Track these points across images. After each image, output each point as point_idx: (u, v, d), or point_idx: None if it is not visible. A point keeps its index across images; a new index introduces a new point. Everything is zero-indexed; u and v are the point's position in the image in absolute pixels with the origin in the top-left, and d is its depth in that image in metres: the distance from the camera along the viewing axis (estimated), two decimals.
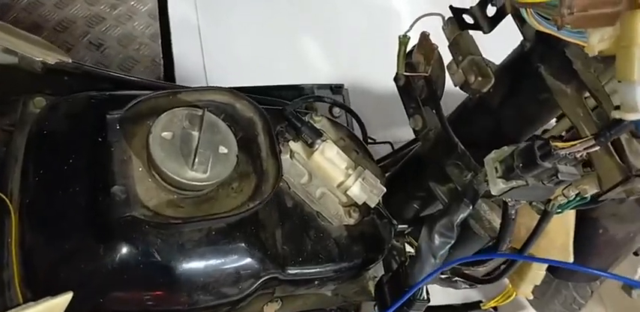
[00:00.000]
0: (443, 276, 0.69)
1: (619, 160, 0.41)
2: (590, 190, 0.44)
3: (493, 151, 0.46)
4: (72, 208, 0.48)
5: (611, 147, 0.42)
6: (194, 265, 0.50)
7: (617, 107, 0.33)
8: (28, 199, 0.50)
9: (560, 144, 0.40)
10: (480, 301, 0.70)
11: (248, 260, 0.52)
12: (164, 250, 0.48)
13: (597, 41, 0.34)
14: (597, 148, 0.39)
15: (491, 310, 0.71)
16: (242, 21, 1.28)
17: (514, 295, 0.65)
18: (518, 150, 0.44)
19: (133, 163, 0.49)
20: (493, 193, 0.46)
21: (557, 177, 0.42)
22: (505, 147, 0.45)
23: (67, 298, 0.41)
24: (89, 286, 0.46)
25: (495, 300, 0.67)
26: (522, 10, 0.38)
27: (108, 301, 0.47)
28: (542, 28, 0.37)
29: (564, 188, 0.46)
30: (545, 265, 0.62)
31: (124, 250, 0.46)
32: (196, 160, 0.47)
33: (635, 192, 0.40)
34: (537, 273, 0.62)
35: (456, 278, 0.69)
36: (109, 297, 0.47)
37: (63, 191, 0.49)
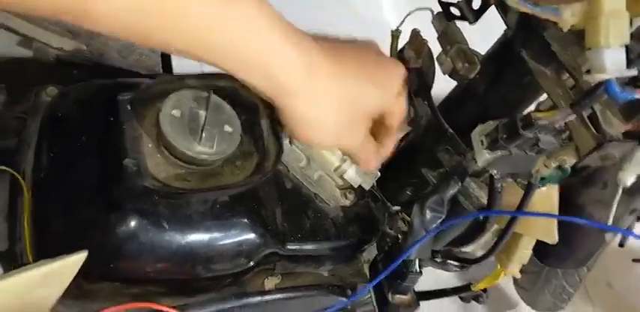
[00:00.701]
0: (437, 259, 0.72)
1: (594, 131, 0.45)
2: (569, 160, 0.48)
3: (478, 126, 0.50)
4: (84, 181, 0.51)
5: (587, 120, 0.45)
6: (200, 236, 0.52)
7: (588, 71, 0.37)
8: (42, 174, 0.53)
9: (540, 114, 0.44)
10: (470, 284, 0.73)
11: (250, 234, 0.55)
12: (172, 221, 0.51)
13: (569, 16, 0.38)
14: (574, 116, 0.43)
15: (481, 292, 0.74)
16: None
17: (502, 275, 0.68)
18: (502, 123, 0.48)
19: (143, 141, 0.52)
20: (479, 164, 0.49)
21: (538, 145, 0.45)
22: (490, 121, 0.49)
23: (82, 256, 0.43)
24: (101, 253, 0.49)
25: (484, 281, 0.70)
26: None
27: (117, 267, 0.50)
28: (521, 8, 0.41)
29: (546, 160, 0.49)
30: (532, 244, 0.65)
31: (135, 219, 0.49)
32: (204, 135, 0.51)
33: (609, 157, 0.44)
34: (524, 252, 0.65)
35: (449, 261, 0.72)
36: (119, 263, 0.50)
37: (75, 166, 0.52)
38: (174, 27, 0.36)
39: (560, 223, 0.70)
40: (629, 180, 0.42)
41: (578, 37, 0.42)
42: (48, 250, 0.50)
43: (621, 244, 0.96)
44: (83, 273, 0.46)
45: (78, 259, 0.44)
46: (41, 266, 0.43)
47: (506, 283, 1.16)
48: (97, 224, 0.50)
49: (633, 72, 0.36)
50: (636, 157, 0.42)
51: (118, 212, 0.49)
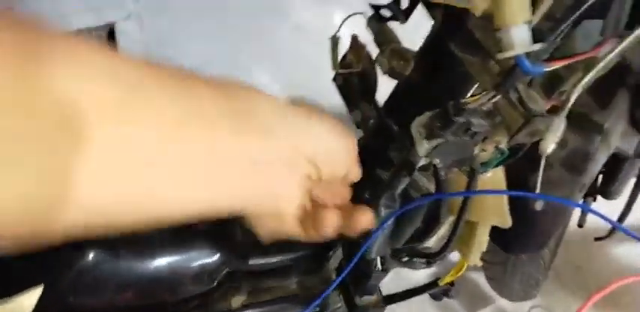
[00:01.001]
0: (403, 259, 0.73)
1: (521, 109, 0.47)
2: (503, 140, 0.50)
3: (416, 119, 0.52)
4: None
5: (514, 100, 0.48)
6: (159, 260, 0.52)
7: (500, 51, 0.39)
8: None
9: (468, 99, 0.46)
10: (437, 279, 0.73)
11: (209, 253, 0.55)
12: (128, 248, 0.50)
13: (480, 1, 0.40)
14: (498, 97, 0.45)
15: (449, 286, 0.74)
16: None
17: (465, 266, 0.69)
18: (436, 112, 0.49)
19: None
20: (420, 154, 0.51)
21: (471, 129, 0.47)
22: (427, 112, 0.51)
23: (37, 292, 0.43)
24: (59, 287, 0.48)
25: (450, 274, 0.71)
26: None
27: (78, 300, 0.49)
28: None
29: (482, 143, 0.51)
30: (488, 231, 0.66)
31: (90, 249, 0.49)
32: None
33: (537, 133, 0.46)
34: (481, 239, 0.66)
35: (414, 259, 0.72)
36: (79, 297, 0.49)
37: None
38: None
39: (514, 208, 0.72)
40: (549, 148, 0.44)
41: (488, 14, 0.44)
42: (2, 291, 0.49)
43: (580, 225, 0.99)
44: (43, 308, 0.45)
45: (35, 294, 0.43)
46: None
47: (483, 280, 1.17)
48: (53, 258, 0.49)
49: (538, 46, 0.38)
50: (553, 127, 0.44)
51: (73, 244, 0.48)
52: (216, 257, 0.55)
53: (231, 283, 0.59)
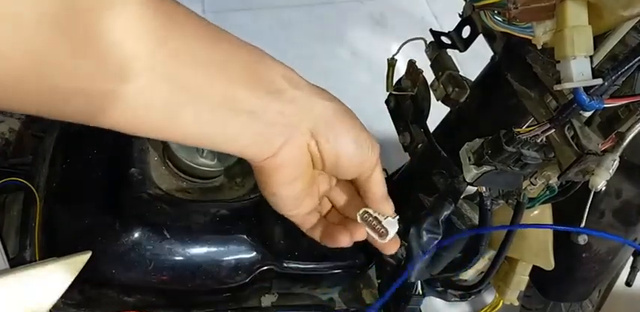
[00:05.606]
0: (438, 288, 0.72)
1: (575, 147, 0.47)
2: (554, 176, 0.49)
3: (466, 143, 0.52)
4: (93, 188, 0.54)
5: (568, 135, 0.48)
6: (198, 247, 0.55)
7: (558, 82, 0.40)
8: (54, 183, 0.56)
9: (521, 130, 0.47)
10: None
11: (247, 249, 0.57)
12: (173, 230, 0.53)
13: (541, 33, 0.41)
14: (552, 130, 0.45)
15: None
16: None
17: (501, 303, 0.68)
18: (488, 140, 0.50)
19: (149, 153, 0.56)
20: (467, 180, 0.51)
21: (522, 160, 0.47)
22: (477, 139, 0.52)
23: (86, 256, 0.46)
24: (104, 258, 0.51)
25: (483, 311, 0.70)
26: (482, 16, 0.46)
27: (119, 273, 0.52)
28: (499, 28, 0.45)
29: (531, 177, 0.51)
30: (528, 270, 0.65)
31: (137, 226, 0.52)
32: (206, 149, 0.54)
33: (589, 171, 0.45)
34: (521, 278, 0.65)
35: (449, 290, 0.72)
36: (121, 269, 0.52)
37: (86, 175, 0.55)
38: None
39: (559, 254, 0.70)
40: (599, 184, 0.44)
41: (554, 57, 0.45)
42: (55, 254, 0.52)
43: (628, 284, 0.94)
44: (87, 278, 0.48)
45: (82, 258, 0.47)
46: (47, 263, 0.45)
47: None
48: (102, 230, 0.52)
49: (597, 81, 0.38)
50: (606, 163, 0.43)
51: (122, 218, 0.52)
52: (252, 254, 0.57)
53: (263, 281, 0.61)
